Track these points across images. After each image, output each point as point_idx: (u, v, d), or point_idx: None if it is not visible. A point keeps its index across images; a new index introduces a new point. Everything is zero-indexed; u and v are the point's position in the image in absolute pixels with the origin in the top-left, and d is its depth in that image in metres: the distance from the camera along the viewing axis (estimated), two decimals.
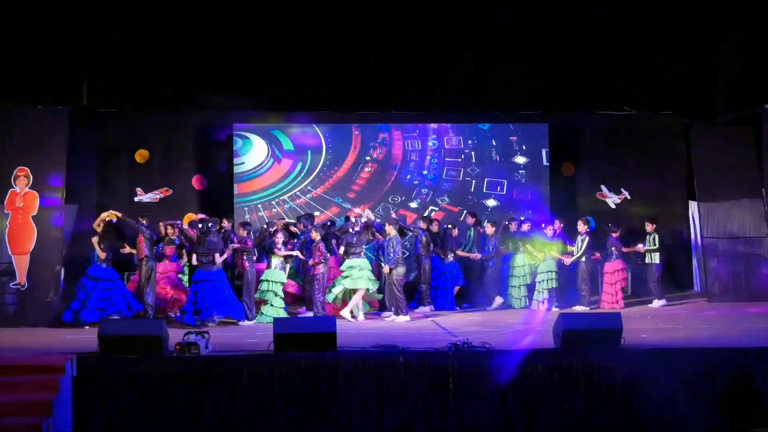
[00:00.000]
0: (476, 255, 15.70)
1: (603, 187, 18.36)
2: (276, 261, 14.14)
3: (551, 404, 10.16)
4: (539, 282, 15.17)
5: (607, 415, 10.16)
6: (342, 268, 14.35)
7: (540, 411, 10.15)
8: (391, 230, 14.39)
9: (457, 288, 15.73)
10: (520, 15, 16.74)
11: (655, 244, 15.59)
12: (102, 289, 13.66)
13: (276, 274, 14.09)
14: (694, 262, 18.18)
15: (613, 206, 18.30)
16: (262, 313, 13.95)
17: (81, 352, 10.27)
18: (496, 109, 18.10)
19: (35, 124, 14.24)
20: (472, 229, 16.11)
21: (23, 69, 15.58)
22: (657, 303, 15.49)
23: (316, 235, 14.36)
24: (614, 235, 15.49)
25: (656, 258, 15.61)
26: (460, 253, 15.80)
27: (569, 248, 15.31)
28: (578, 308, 14.88)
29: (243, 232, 14.39)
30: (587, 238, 15.13)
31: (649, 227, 15.72)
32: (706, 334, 12.21)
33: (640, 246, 15.70)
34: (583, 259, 15.10)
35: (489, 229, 15.68)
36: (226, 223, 15.00)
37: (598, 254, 15.48)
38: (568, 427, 10.13)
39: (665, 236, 18.07)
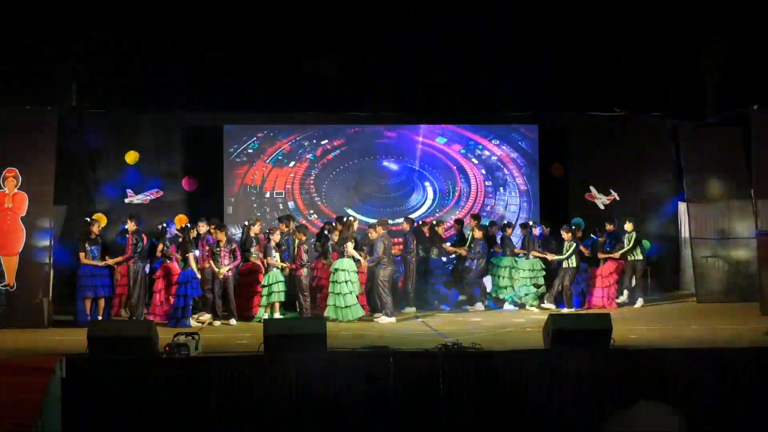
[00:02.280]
0: (463, 250, 15.71)
1: (592, 188, 18.42)
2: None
3: (541, 404, 10.17)
4: (522, 278, 15.32)
5: (597, 415, 10.18)
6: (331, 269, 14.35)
7: (530, 411, 10.17)
8: (380, 230, 14.41)
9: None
10: (511, 17, 16.78)
11: (630, 243, 15.56)
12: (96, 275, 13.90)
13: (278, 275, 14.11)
14: (683, 262, 18.24)
15: (602, 207, 18.35)
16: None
17: (70, 353, 10.23)
18: (486, 110, 18.13)
19: (24, 125, 14.15)
20: (474, 230, 16.07)
21: (11, 70, 15.54)
22: (639, 302, 15.63)
23: (301, 237, 14.34)
24: (600, 239, 15.57)
25: (637, 255, 15.61)
26: (447, 247, 15.78)
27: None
28: (565, 309, 14.89)
29: (222, 235, 14.27)
30: (574, 244, 15.14)
31: (627, 226, 15.70)
32: (695, 335, 12.24)
33: (617, 253, 15.65)
34: (574, 264, 15.11)
35: (477, 233, 15.70)
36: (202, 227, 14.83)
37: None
38: (558, 427, 10.15)
39: (655, 237, 18.18)
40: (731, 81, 16.80)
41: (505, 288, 15.63)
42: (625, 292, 15.65)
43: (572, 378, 10.16)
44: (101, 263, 14.04)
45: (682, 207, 17.83)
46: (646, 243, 18.02)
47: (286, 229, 14.82)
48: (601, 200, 18.39)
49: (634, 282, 15.80)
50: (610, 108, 17.92)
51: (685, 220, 17.46)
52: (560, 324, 10.60)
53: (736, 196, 16.42)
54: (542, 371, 10.20)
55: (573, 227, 15.52)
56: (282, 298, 14.03)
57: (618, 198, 18.41)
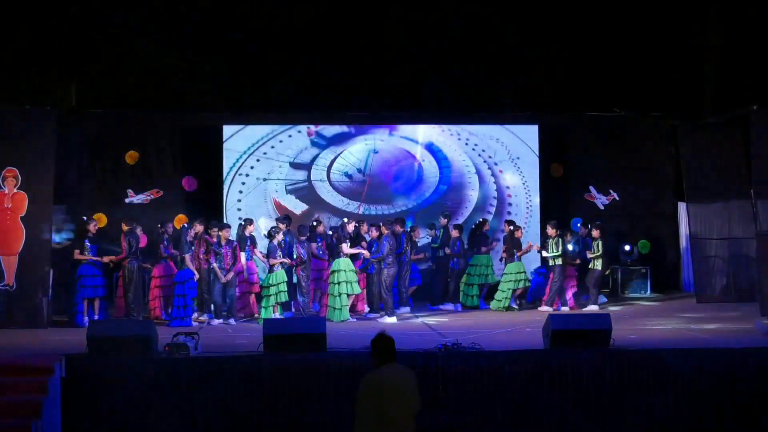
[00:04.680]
0: (421, 256, 15.66)
1: (591, 188, 18.41)
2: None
3: (541, 404, 10.17)
4: (505, 282, 15.32)
5: (597, 415, 10.19)
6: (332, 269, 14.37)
7: (529, 411, 10.17)
8: (384, 229, 14.49)
9: (412, 289, 15.79)
10: (511, 17, 16.78)
11: (599, 251, 15.34)
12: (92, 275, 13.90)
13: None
14: (683, 262, 18.25)
15: (602, 207, 18.35)
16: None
17: (70, 353, 10.23)
18: (486, 110, 18.12)
19: (23, 124, 14.14)
20: (442, 230, 16.04)
21: (11, 69, 15.53)
22: (592, 307, 15.18)
23: (300, 237, 14.35)
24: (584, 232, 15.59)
25: (599, 264, 15.36)
26: (413, 257, 15.69)
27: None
28: (545, 308, 14.90)
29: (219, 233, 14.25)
30: (560, 240, 15.11)
31: (595, 233, 15.50)
32: (695, 335, 12.25)
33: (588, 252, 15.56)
34: (559, 261, 15.10)
35: (453, 231, 15.71)
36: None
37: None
38: (558, 427, 10.15)
39: (654, 237, 18.19)
40: (729, 82, 16.80)
41: (473, 287, 15.69)
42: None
43: (572, 378, 10.16)
44: (102, 259, 14.07)
45: (681, 207, 17.82)
46: (645, 243, 18.07)
47: (285, 229, 14.82)
48: (601, 200, 18.39)
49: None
50: (610, 108, 17.92)
51: (684, 220, 17.45)
52: (560, 324, 10.61)
53: (736, 196, 16.41)
54: (542, 371, 10.20)
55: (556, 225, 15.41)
56: (285, 298, 14.02)
57: (618, 198, 18.41)
